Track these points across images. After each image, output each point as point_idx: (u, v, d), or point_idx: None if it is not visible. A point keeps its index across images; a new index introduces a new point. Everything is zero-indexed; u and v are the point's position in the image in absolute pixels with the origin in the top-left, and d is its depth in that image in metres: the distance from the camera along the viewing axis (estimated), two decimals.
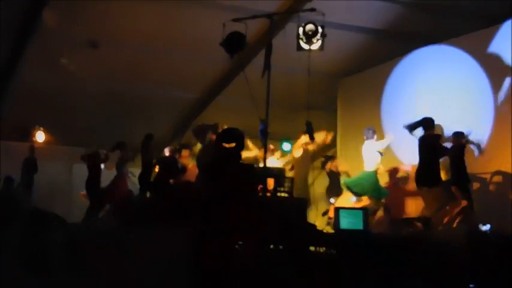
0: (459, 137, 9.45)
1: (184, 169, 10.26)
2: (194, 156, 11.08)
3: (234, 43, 7.75)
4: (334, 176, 12.03)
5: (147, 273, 4.99)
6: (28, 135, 13.34)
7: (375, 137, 10.40)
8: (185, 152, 11.45)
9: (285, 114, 12.62)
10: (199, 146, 10.90)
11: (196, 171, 9.97)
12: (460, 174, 9.22)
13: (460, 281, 5.28)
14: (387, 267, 5.14)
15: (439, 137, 9.40)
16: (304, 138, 10.90)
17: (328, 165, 12.21)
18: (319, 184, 12.36)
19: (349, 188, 10.45)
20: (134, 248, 5.19)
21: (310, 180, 11.41)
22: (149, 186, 9.12)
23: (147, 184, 10.49)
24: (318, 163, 12.63)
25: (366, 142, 10.33)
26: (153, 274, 4.99)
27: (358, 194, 10.30)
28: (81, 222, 9.72)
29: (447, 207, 9.08)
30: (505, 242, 5.80)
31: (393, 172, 10.99)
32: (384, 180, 10.78)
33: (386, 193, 10.36)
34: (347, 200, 10.74)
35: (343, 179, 11.05)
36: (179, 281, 5.01)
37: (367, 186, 10.09)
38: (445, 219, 8.85)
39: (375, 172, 10.17)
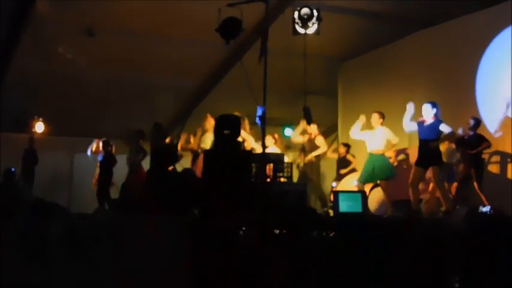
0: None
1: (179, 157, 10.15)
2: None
3: (229, 28, 7.67)
4: (342, 162, 12.10)
5: (146, 263, 5.00)
6: (27, 126, 13.31)
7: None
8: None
9: (285, 99, 12.62)
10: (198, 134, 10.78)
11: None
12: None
13: (459, 263, 5.27)
14: (386, 249, 5.14)
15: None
16: (304, 125, 10.80)
17: (341, 152, 12.29)
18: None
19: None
20: (133, 238, 5.20)
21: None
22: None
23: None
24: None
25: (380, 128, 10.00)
26: (152, 264, 5.00)
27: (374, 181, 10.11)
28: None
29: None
30: (506, 223, 5.78)
31: (394, 153, 10.96)
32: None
33: (394, 174, 10.10)
34: (349, 183, 10.73)
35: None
36: (178, 271, 5.03)
37: (377, 171, 9.90)
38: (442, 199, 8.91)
39: (381, 155, 9.98)
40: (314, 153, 10.86)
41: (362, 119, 9.95)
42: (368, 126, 10.10)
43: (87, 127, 13.20)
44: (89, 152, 12.27)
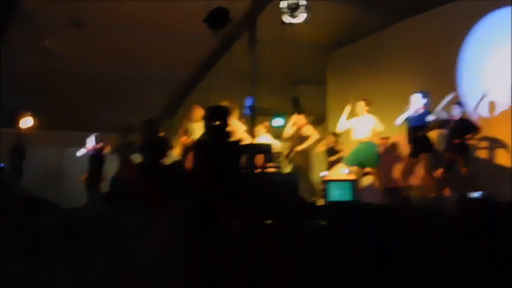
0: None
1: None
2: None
3: (217, 19, 7.65)
4: (331, 152, 12.08)
5: (141, 256, 4.99)
6: (15, 121, 13.21)
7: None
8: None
9: (275, 89, 12.59)
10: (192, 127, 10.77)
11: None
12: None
13: (452, 250, 5.28)
14: (377, 237, 5.14)
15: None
16: (295, 117, 10.80)
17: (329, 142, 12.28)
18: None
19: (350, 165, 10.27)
20: (125, 231, 5.19)
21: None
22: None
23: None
24: None
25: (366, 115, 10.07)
26: (145, 257, 4.99)
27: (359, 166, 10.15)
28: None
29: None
30: (499, 209, 5.80)
31: (384, 141, 10.98)
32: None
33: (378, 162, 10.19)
34: (339, 172, 10.73)
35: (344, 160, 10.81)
36: (172, 263, 5.02)
37: (365, 158, 9.94)
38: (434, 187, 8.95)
39: (371, 142, 10.02)
40: (306, 143, 10.78)
41: (347, 109, 9.95)
42: (354, 114, 10.14)
43: (77, 121, 13.16)
44: (83, 151, 12.19)
